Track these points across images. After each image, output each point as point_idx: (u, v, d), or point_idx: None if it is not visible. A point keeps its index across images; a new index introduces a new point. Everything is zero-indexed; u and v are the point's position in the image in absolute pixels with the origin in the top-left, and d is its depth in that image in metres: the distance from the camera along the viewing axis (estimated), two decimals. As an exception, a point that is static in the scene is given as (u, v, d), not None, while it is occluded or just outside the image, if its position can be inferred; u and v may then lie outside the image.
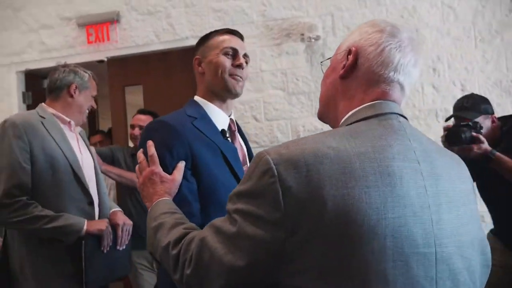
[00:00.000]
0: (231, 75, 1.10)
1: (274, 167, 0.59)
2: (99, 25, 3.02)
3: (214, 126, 1.09)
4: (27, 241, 1.48)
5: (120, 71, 3.08)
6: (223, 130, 1.10)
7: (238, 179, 1.02)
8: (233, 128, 1.16)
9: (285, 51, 2.73)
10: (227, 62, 1.10)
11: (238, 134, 1.20)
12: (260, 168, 0.61)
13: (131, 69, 3.06)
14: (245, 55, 1.15)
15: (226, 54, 1.11)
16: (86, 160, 1.67)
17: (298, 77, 2.71)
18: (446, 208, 0.65)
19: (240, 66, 1.11)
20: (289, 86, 2.73)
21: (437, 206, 0.64)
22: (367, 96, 0.71)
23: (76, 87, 1.64)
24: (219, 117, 1.12)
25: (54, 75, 1.65)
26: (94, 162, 1.72)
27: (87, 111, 1.73)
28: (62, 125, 1.62)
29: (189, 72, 2.57)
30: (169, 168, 0.96)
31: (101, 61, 3.11)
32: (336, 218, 0.56)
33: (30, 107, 3.31)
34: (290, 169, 0.58)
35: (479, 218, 0.73)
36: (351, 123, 0.69)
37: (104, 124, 4.44)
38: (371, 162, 0.61)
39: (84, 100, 1.68)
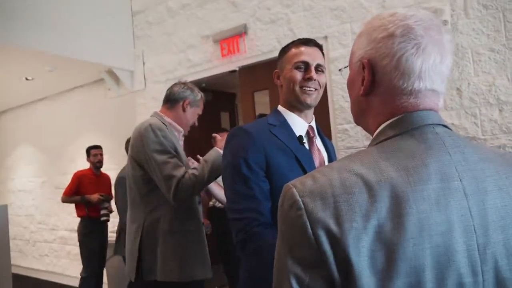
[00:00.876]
0: (301, 87, 1.17)
1: (299, 199, 0.56)
2: (230, 39, 3.38)
3: (292, 133, 1.18)
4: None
5: (249, 79, 3.38)
6: (300, 136, 1.17)
7: None
8: (311, 134, 1.23)
9: (408, 41, 2.54)
10: (298, 75, 1.18)
11: (318, 140, 1.25)
12: (287, 202, 0.58)
13: (259, 76, 3.32)
14: (318, 66, 1.19)
15: (298, 68, 1.19)
16: None
17: (423, 68, 2.49)
18: (496, 228, 0.57)
19: (310, 79, 1.16)
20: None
21: (484, 228, 0.57)
22: (394, 111, 0.64)
23: (188, 103, 1.92)
24: (297, 124, 1.21)
25: (175, 87, 1.96)
26: None
27: (190, 126, 2.00)
28: (175, 133, 1.92)
29: None
30: (245, 174, 1.08)
31: (233, 71, 3.47)
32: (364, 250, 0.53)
33: (182, 115, 3.94)
34: (317, 200, 0.55)
35: None
36: (380, 141, 0.64)
37: (244, 125, 4.90)
38: (405, 187, 0.55)
39: (192, 115, 1.95)
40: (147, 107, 4.03)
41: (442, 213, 0.55)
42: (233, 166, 1.10)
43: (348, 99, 2.41)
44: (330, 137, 2.86)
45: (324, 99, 2.87)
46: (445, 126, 0.64)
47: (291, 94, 1.20)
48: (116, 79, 4.23)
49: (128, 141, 3.43)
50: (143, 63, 4.08)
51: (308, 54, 1.21)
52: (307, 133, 1.23)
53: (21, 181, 5.86)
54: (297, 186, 0.57)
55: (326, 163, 1.24)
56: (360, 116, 0.72)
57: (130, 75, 4.18)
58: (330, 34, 2.85)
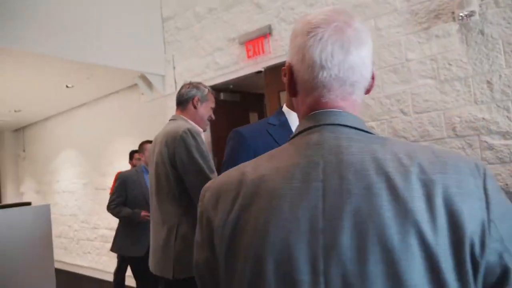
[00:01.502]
0: None
1: (204, 193, 0.69)
2: (255, 40, 3.43)
3: (289, 133, 1.20)
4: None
5: (274, 79, 3.41)
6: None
7: None
8: None
9: (434, 34, 2.47)
10: None
11: None
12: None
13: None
14: None
15: None
16: None
17: (451, 62, 2.41)
18: (350, 232, 0.53)
19: None
20: (440, 73, 2.46)
21: (334, 231, 0.54)
22: (306, 109, 0.67)
23: (198, 99, 1.98)
24: (294, 121, 1.24)
25: (182, 90, 2.03)
26: None
27: (208, 120, 2.05)
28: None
29: None
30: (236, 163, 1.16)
31: (259, 72, 3.52)
32: (222, 237, 0.62)
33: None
34: (212, 194, 0.67)
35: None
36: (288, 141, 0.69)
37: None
38: (268, 185, 0.60)
39: (204, 110, 2.01)
40: (178, 110, 4.16)
41: (293, 211, 0.56)
42: (226, 167, 1.20)
43: (374, 96, 2.38)
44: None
45: (349, 97, 2.85)
46: (343, 125, 0.63)
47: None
48: (149, 84, 4.40)
49: (142, 144, 3.55)
50: (174, 68, 4.22)
51: None
52: None
53: (65, 183, 6.22)
54: (209, 183, 0.70)
55: None
56: (299, 118, 0.73)
57: (161, 80, 4.33)
58: (354, 31, 2.82)
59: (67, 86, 4.60)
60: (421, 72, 2.53)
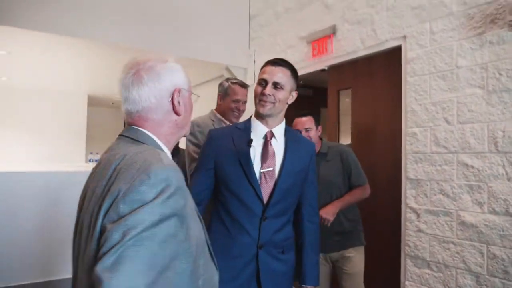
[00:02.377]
0: (259, 100, 1.42)
1: None
2: (320, 40, 3.57)
3: (248, 136, 1.44)
4: None
5: (336, 78, 3.52)
6: (250, 140, 1.43)
7: (246, 175, 1.38)
8: (268, 138, 1.46)
9: (488, 41, 2.31)
10: (258, 90, 1.43)
11: (277, 142, 1.49)
12: None
13: (344, 75, 3.43)
14: (275, 83, 1.42)
15: (259, 84, 1.44)
16: None
17: (501, 71, 2.24)
18: (89, 199, 0.85)
19: (263, 94, 1.41)
20: (489, 82, 2.30)
21: (89, 198, 0.87)
22: None
23: (221, 96, 2.29)
24: (258, 129, 1.48)
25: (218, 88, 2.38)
26: None
27: (234, 112, 2.30)
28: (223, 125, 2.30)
29: (390, 74, 2.74)
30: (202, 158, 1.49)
31: (323, 70, 3.65)
32: None
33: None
34: None
35: None
36: None
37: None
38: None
39: (226, 104, 2.29)
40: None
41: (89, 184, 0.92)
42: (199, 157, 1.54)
43: (421, 102, 2.42)
44: (399, 140, 2.82)
45: (397, 101, 2.84)
46: (126, 137, 0.92)
47: (255, 104, 1.46)
48: (234, 76, 4.87)
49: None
50: (254, 61, 4.60)
51: (269, 73, 1.44)
52: (265, 136, 1.47)
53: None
54: None
55: (277, 161, 1.45)
56: None
57: (244, 72, 4.76)
58: (409, 34, 2.77)
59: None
60: (470, 80, 2.40)
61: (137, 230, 0.67)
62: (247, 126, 1.51)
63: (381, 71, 3.06)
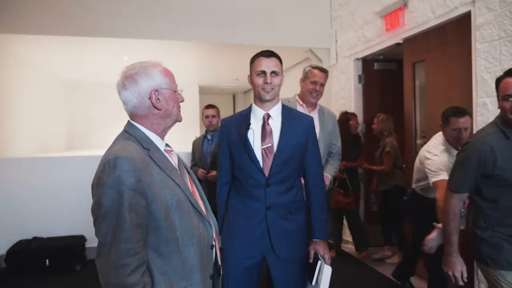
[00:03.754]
0: (262, 89, 1.70)
1: None
2: (393, 13, 3.51)
3: (248, 120, 1.74)
4: None
5: (410, 50, 3.44)
6: (248, 123, 1.73)
7: (247, 152, 1.69)
8: (265, 119, 1.73)
9: (561, -3, 2.09)
10: (260, 81, 1.70)
11: (275, 122, 1.74)
12: None
13: (418, 47, 3.34)
14: (272, 72, 1.68)
15: (258, 75, 1.70)
16: None
17: None
18: None
19: (266, 83, 1.68)
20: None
21: None
22: None
23: (302, 79, 2.54)
24: (257, 113, 1.76)
25: None
26: None
27: (312, 93, 2.50)
28: (300, 108, 2.53)
29: (461, 43, 2.77)
30: (219, 144, 1.82)
31: (398, 44, 3.59)
32: None
33: (364, 86, 4.36)
34: None
35: None
36: None
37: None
38: None
39: (305, 86, 2.51)
40: (338, 79, 4.67)
41: None
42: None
43: (491, 70, 2.42)
44: (470, 112, 2.71)
45: (467, 71, 2.73)
46: (125, 131, 1.19)
47: (257, 93, 1.73)
48: (318, 57, 5.04)
49: None
50: (336, 41, 4.69)
51: (265, 65, 1.69)
52: (263, 118, 1.74)
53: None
54: None
55: (275, 139, 1.70)
56: None
57: (327, 53, 4.89)
58: (478, -2, 2.61)
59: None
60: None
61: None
62: (248, 112, 1.79)
63: (453, 40, 2.93)
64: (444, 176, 2.23)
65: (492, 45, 2.52)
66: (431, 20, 3.08)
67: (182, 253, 1.13)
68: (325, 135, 2.57)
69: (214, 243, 1.27)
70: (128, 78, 1.18)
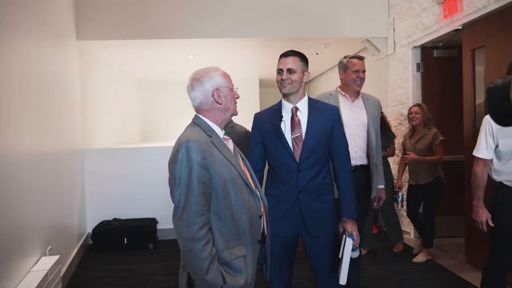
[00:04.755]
0: (281, 83, 1.90)
1: None
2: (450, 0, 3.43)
3: (279, 113, 1.93)
4: None
5: (469, 36, 3.34)
6: (280, 116, 1.91)
7: (280, 141, 1.88)
8: (294, 112, 1.91)
9: None
10: (278, 77, 1.92)
11: (302, 114, 1.92)
12: None
13: (477, 33, 3.24)
14: (288, 69, 1.87)
15: (278, 73, 1.91)
16: None
17: None
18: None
19: (282, 79, 1.88)
20: None
21: None
22: None
23: (342, 71, 2.60)
24: (286, 107, 1.95)
25: None
26: None
27: (356, 81, 2.53)
28: (342, 98, 2.61)
29: None
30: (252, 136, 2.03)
31: (456, 30, 3.49)
32: None
33: (423, 74, 4.27)
34: None
35: None
36: None
37: None
38: None
39: (347, 77, 2.57)
40: (396, 68, 4.62)
41: None
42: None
43: None
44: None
45: None
46: (193, 122, 1.49)
47: (279, 88, 1.93)
48: (375, 46, 5.00)
49: None
50: (394, 29, 4.63)
51: (283, 63, 1.90)
52: (292, 110, 1.92)
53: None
54: None
55: (303, 130, 1.88)
56: None
57: (385, 41, 4.84)
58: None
59: (317, 53, 5.93)
60: None
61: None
62: (278, 106, 1.98)
63: (515, 24, 2.82)
64: None
65: None
66: (490, 4, 2.98)
67: (235, 219, 1.41)
68: (374, 120, 2.61)
69: (261, 214, 1.52)
70: (195, 80, 1.48)
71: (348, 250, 1.80)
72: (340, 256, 1.86)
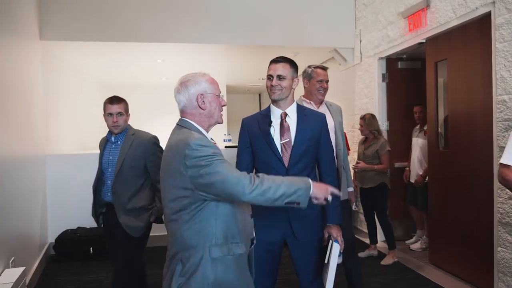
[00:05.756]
0: (270, 89, 1.92)
1: None
2: (415, 14, 3.62)
3: (268, 119, 1.95)
4: None
5: (432, 50, 3.54)
6: (270, 121, 1.93)
7: (270, 147, 1.89)
8: (283, 117, 1.94)
9: None
10: (268, 83, 1.93)
11: (291, 119, 1.95)
12: None
13: (440, 47, 3.44)
14: (278, 76, 1.90)
15: (268, 78, 1.93)
16: None
17: None
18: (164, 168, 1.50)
19: (272, 85, 1.91)
20: None
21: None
22: None
23: (307, 80, 2.66)
24: (275, 112, 1.97)
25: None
26: None
27: (320, 90, 2.61)
28: (308, 105, 2.68)
29: (482, 42, 2.88)
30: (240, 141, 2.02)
31: (420, 43, 3.69)
32: None
33: (388, 84, 4.47)
34: None
35: None
36: None
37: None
38: None
39: (312, 86, 2.63)
40: (362, 78, 4.80)
41: None
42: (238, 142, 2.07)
43: (510, 69, 2.55)
44: (490, 109, 2.80)
45: (487, 69, 2.83)
46: (178, 125, 1.51)
47: (268, 94, 1.96)
48: (342, 56, 5.17)
49: None
50: (360, 41, 4.81)
51: (273, 69, 1.91)
52: (281, 116, 1.94)
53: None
54: None
55: (292, 135, 1.91)
56: None
57: (352, 52, 5.02)
58: (498, -2, 2.70)
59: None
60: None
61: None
62: (267, 112, 2.00)
63: (473, 39, 3.03)
64: None
65: (511, 44, 2.61)
66: (452, 20, 3.18)
67: (236, 217, 1.45)
68: (339, 124, 2.72)
69: (251, 213, 1.56)
70: (182, 84, 1.50)
71: (335, 255, 1.82)
72: (326, 262, 1.88)
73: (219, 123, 1.57)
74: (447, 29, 3.26)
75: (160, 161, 2.07)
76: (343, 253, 2.63)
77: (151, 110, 8.32)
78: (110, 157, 2.58)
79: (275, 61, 1.95)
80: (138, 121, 8.26)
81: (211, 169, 1.33)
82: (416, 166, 4.09)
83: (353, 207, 4.16)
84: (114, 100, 2.55)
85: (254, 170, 2.04)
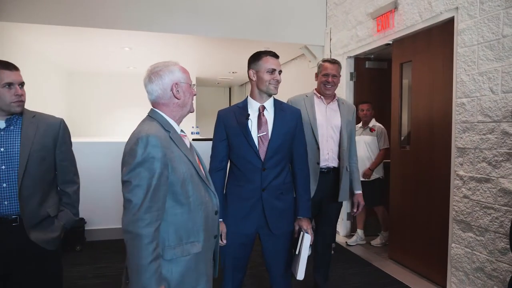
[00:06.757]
0: (271, 84, 1.91)
1: None
2: (383, 15, 3.70)
3: (246, 112, 1.93)
4: None
5: (398, 51, 3.64)
6: (247, 114, 1.92)
7: (247, 140, 1.88)
8: (261, 110, 1.94)
9: (532, 8, 2.29)
10: (269, 77, 1.90)
11: (268, 113, 1.95)
12: None
13: (405, 49, 3.54)
14: (279, 71, 1.90)
15: (270, 72, 1.90)
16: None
17: (543, 39, 2.23)
18: None
19: (275, 80, 1.90)
20: (531, 51, 2.30)
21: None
22: None
23: (317, 74, 2.68)
24: (253, 105, 1.97)
25: None
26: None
27: (325, 85, 2.60)
28: (317, 100, 2.67)
29: (445, 46, 2.96)
30: (216, 133, 1.99)
31: (387, 44, 3.78)
32: None
33: (355, 83, 4.55)
34: None
35: None
36: None
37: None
38: None
39: (320, 79, 2.64)
40: (331, 76, 4.85)
41: None
42: (214, 134, 2.03)
43: (469, 73, 2.62)
44: (450, 111, 2.92)
45: (449, 72, 2.93)
46: (149, 116, 1.43)
47: (264, 87, 1.91)
48: (312, 53, 5.21)
49: None
50: (330, 39, 4.87)
51: (276, 64, 1.91)
52: (259, 109, 1.94)
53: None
54: None
55: (269, 128, 1.92)
56: None
57: (321, 50, 5.08)
58: (461, 4, 2.80)
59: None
60: (514, 50, 2.41)
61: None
62: (244, 104, 1.99)
63: (437, 43, 3.13)
64: None
65: (471, 49, 2.72)
66: (418, 23, 3.28)
67: (192, 216, 1.38)
68: (346, 123, 2.65)
69: (217, 210, 1.51)
70: (154, 73, 1.42)
71: (306, 246, 1.86)
72: (297, 253, 1.91)
73: (191, 111, 1.52)
74: (413, 31, 3.36)
75: (71, 154, 1.94)
76: (322, 244, 2.70)
77: (116, 99, 8.09)
78: (1, 149, 1.76)
79: (275, 55, 1.95)
80: (103, 110, 8.11)
81: (133, 178, 1.25)
82: (366, 164, 4.12)
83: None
84: (12, 65, 1.82)
85: (228, 163, 2.04)
